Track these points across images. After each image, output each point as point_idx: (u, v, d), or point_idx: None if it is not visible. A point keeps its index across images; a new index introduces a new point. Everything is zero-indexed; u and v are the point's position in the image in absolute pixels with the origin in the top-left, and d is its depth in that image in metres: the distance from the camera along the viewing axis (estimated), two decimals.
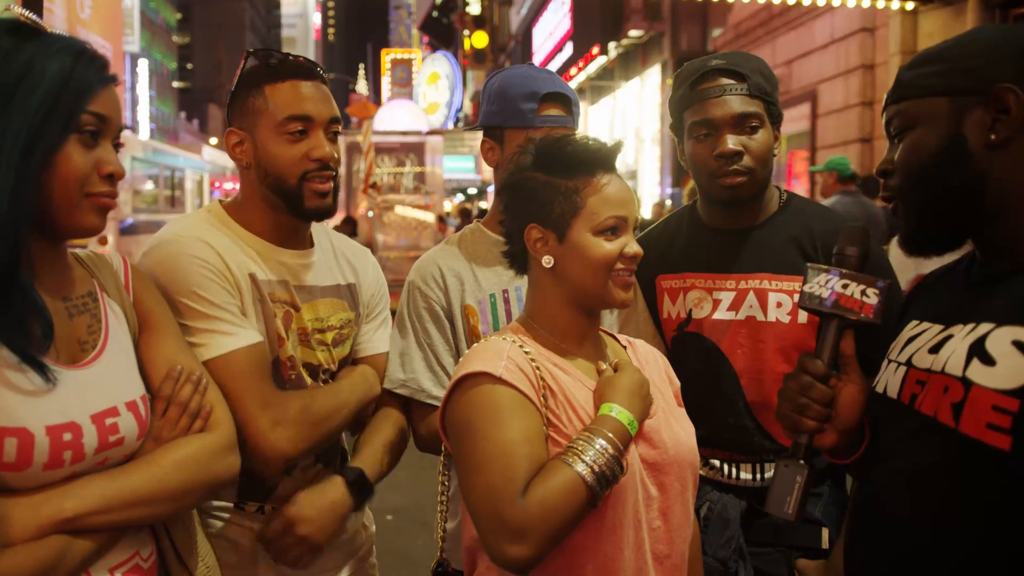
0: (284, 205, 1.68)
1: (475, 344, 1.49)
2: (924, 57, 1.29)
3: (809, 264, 1.36)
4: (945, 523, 1.13)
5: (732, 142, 1.83)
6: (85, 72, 1.22)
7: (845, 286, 1.30)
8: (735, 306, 1.90)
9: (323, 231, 1.87)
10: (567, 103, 1.93)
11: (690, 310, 1.95)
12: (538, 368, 1.40)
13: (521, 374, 1.37)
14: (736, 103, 1.84)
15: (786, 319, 1.86)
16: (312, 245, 1.80)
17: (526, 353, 1.41)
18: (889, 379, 1.31)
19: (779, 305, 1.87)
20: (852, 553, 1.33)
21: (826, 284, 1.31)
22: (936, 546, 1.14)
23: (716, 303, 1.92)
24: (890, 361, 1.34)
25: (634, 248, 1.45)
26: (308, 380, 1.72)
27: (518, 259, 1.54)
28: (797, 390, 1.32)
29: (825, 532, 1.89)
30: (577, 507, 1.28)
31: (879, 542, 1.25)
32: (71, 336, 1.25)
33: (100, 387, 1.24)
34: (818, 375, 1.32)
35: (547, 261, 1.46)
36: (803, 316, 1.85)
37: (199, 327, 1.54)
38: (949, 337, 1.20)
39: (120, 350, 1.32)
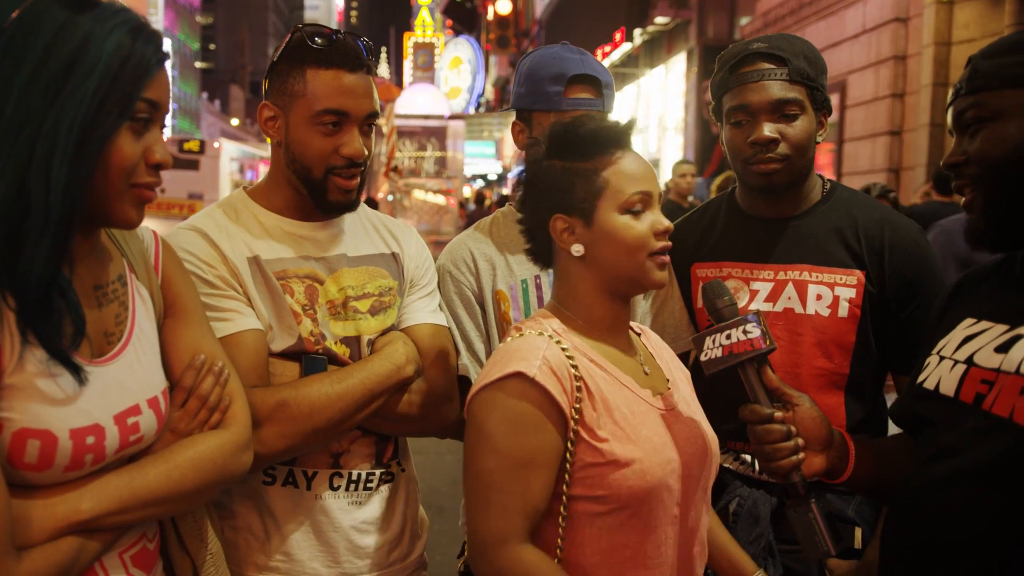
0: (307, 192, 1.64)
1: (511, 340, 1.44)
2: (1005, 46, 1.25)
3: (692, 339, 1.46)
4: (1013, 521, 1.11)
5: (768, 129, 1.77)
6: (143, 53, 1.13)
7: (728, 336, 1.38)
8: (772, 297, 1.85)
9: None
10: (597, 84, 1.86)
11: None
12: (575, 368, 1.36)
13: (554, 377, 1.34)
14: (775, 88, 1.78)
15: (826, 312, 1.80)
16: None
17: (564, 350, 1.37)
18: (943, 376, 1.28)
19: (819, 298, 1.81)
20: (895, 548, 1.30)
21: (715, 345, 1.39)
22: (996, 543, 1.13)
23: (753, 294, 1.87)
24: (942, 358, 1.30)
25: (664, 222, 1.41)
26: (342, 352, 1.64)
27: (542, 254, 1.50)
28: (755, 442, 1.38)
29: (858, 531, 1.84)
30: None
31: (931, 539, 1.22)
32: (99, 327, 1.21)
33: (123, 385, 1.20)
34: (763, 418, 1.37)
35: (577, 250, 1.41)
36: (843, 310, 1.80)
37: None
38: (1019, 337, 1.17)
39: (144, 339, 1.27)
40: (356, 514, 1.65)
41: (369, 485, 1.67)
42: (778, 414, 1.37)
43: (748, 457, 1.91)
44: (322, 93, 1.57)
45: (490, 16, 28.79)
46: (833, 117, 10.38)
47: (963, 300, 1.38)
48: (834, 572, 1.81)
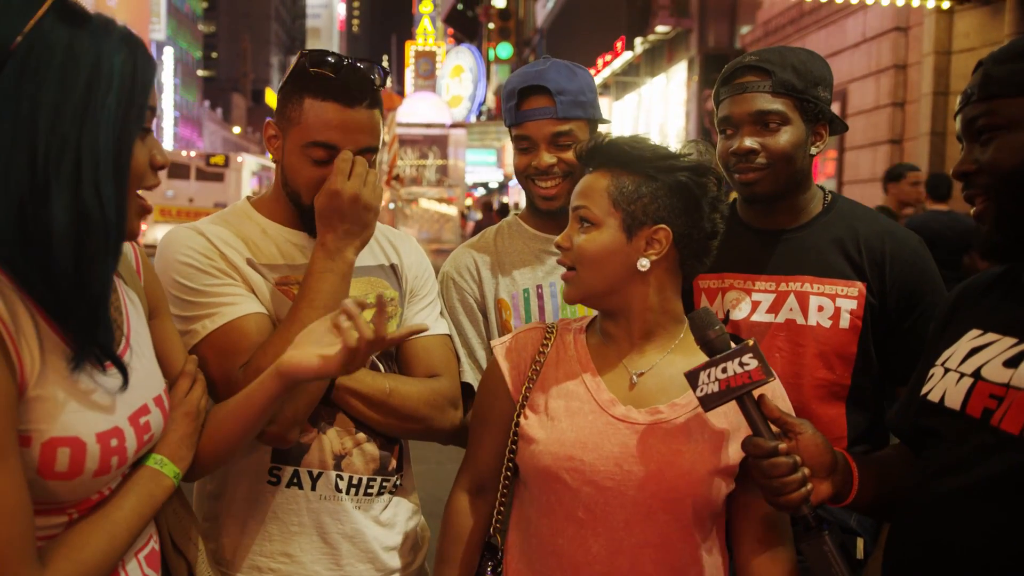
0: (298, 213, 1.65)
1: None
2: (1018, 50, 1.22)
3: (684, 374, 1.38)
4: (1019, 538, 1.10)
5: (747, 140, 1.80)
6: (144, 64, 1.15)
7: (724, 370, 1.33)
8: (774, 308, 1.85)
9: None
10: (546, 92, 1.85)
11: (728, 311, 1.90)
12: (543, 352, 1.53)
13: (515, 355, 1.56)
14: (755, 101, 1.80)
15: (827, 323, 1.80)
16: None
17: (548, 333, 1.56)
18: (948, 389, 1.25)
19: (820, 309, 1.81)
20: (901, 565, 1.29)
21: (711, 380, 1.34)
22: (1002, 560, 1.11)
23: (755, 305, 1.87)
24: (947, 370, 1.28)
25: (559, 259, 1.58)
26: None
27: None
28: (761, 477, 1.32)
29: (860, 542, 1.84)
30: None
31: (938, 556, 1.20)
32: None
33: (131, 386, 1.20)
34: (768, 451, 1.32)
35: (643, 265, 1.46)
36: (845, 321, 1.80)
37: (178, 314, 1.53)
38: None
39: (141, 341, 1.29)
40: (359, 518, 1.65)
41: (370, 491, 1.67)
42: (782, 446, 1.32)
43: None
44: (314, 125, 1.55)
45: (489, 16, 28.88)
46: None
47: (967, 310, 1.35)
48: None
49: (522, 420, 1.49)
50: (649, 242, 1.46)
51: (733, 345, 1.36)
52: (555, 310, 1.90)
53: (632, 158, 1.47)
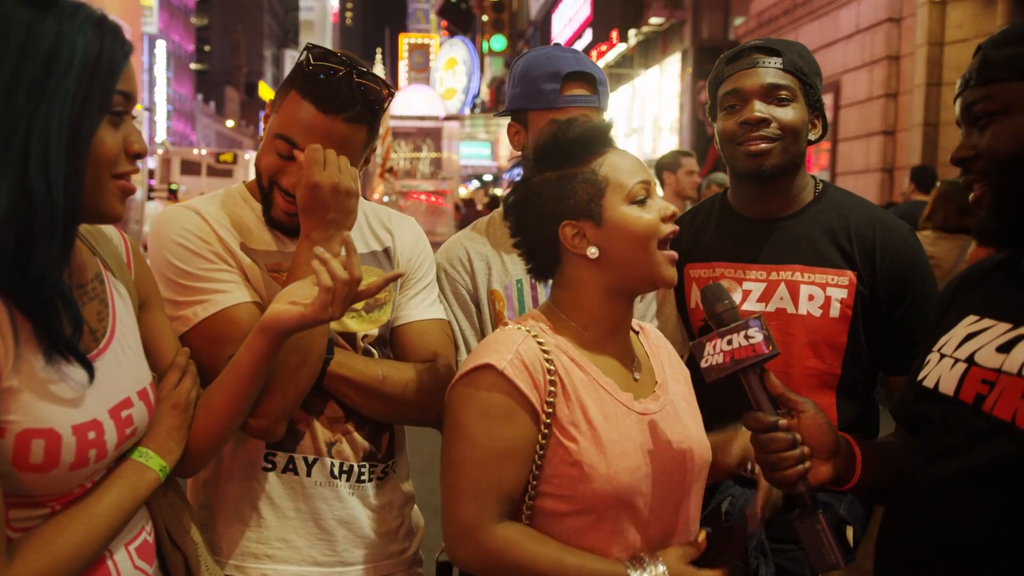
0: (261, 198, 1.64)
1: (491, 333, 1.47)
2: (1016, 34, 1.20)
3: (690, 345, 1.37)
4: (1013, 524, 1.09)
5: (759, 108, 1.80)
6: (112, 47, 1.13)
7: (730, 342, 1.33)
8: (765, 297, 1.85)
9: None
10: (591, 81, 1.87)
11: None
12: (551, 363, 1.37)
13: (525, 371, 1.34)
14: (768, 74, 1.82)
15: (817, 312, 1.81)
16: None
17: (540, 345, 1.38)
18: (943, 375, 1.25)
19: (811, 298, 1.82)
20: (893, 550, 1.29)
21: (716, 351, 1.34)
22: (994, 547, 1.11)
23: (745, 294, 1.87)
24: (943, 356, 1.27)
25: (669, 206, 1.42)
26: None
27: (545, 269, 1.49)
28: (760, 451, 1.33)
29: (850, 530, 1.85)
30: None
31: (930, 541, 1.20)
32: (84, 326, 1.20)
33: (113, 379, 1.20)
34: (768, 426, 1.32)
35: (592, 252, 1.40)
36: (835, 310, 1.80)
37: (170, 298, 1.53)
38: (1021, 338, 1.14)
39: (128, 334, 1.28)
40: (354, 504, 1.65)
41: (361, 477, 1.67)
42: (783, 421, 1.32)
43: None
44: (287, 118, 1.54)
45: (483, 8, 28.79)
46: (827, 117, 10.43)
47: (966, 296, 1.34)
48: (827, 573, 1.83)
49: (570, 444, 1.35)
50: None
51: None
52: None
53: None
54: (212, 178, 20.91)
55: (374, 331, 1.68)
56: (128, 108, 1.18)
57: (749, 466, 1.91)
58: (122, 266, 1.35)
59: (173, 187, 18.73)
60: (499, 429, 1.34)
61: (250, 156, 21.41)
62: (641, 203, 1.41)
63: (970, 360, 1.21)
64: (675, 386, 1.53)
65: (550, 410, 1.35)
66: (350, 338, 1.65)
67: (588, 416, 1.36)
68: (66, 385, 1.12)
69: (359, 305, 1.67)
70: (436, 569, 1.80)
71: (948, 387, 1.23)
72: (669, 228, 1.41)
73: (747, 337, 1.32)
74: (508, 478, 1.34)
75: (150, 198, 17.41)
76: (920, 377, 1.31)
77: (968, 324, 1.26)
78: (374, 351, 1.68)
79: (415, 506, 1.83)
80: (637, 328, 1.58)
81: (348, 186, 1.52)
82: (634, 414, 1.41)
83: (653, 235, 1.40)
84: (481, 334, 1.87)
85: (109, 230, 1.38)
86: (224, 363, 1.47)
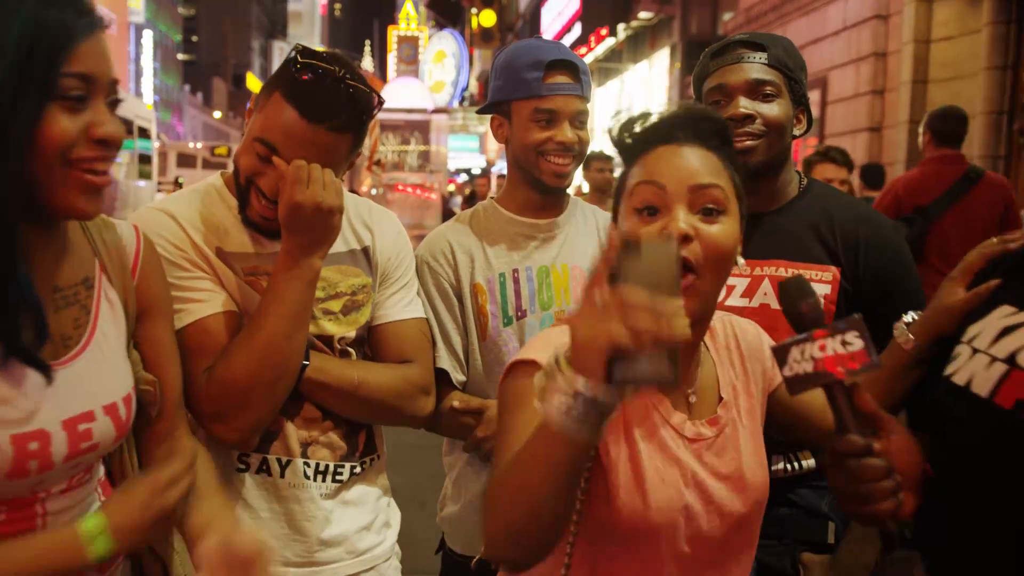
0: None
1: (546, 329, 1.35)
2: None
3: (771, 347, 1.18)
4: None
5: (744, 105, 1.80)
6: (60, 23, 1.01)
7: (823, 347, 1.12)
8: (749, 293, 1.86)
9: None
10: (574, 70, 1.87)
11: None
12: None
13: None
14: (753, 70, 1.82)
15: None
16: None
17: None
18: (976, 373, 1.15)
19: None
20: (941, 564, 1.17)
21: (804, 358, 1.13)
22: None
23: (730, 289, 1.87)
24: (976, 351, 1.18)
25: (675, 224, 1.17)
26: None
27: None
28: (849, 480, 1.11)
29: (831, 526, 1.86)
30: None
31: (976, 556, 1.13)
32: (54, 331, 1.13)
33: (76, 390, 1.13)
34: (862, 450, 1.10)
35: None
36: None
37: None
38: None
39: (107, 344, 1.21)
40: (327, 504, 1.65)
41: (339, 477, 1.66)
42: (877, 445, 1.11)
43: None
44: (269, 122, 1.49)
45: (474, 26, 28.70)
46: (815, 113, 10.42)
47: (1000, 283, 1.25)
48: (808, 567, 1.83)
49: (607, 464, 1.22)
50: (739, 238, 1.26)
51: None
52: (531, 294, 1.89)
53: (725, 138, 1.27)
54: (208, 170, 21.63)
55: (351, 333, 1.67)
56: (94, 91, 1.06)
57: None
58: (125, 270, 1.28)
59: (181, 180, 19.08)
60: (527, 413, 1.16)
61: None
62: (644, 213, 1.21)
63: (1011, 361, 1.11)
64: (745, 400, 1.34)
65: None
66: (327, 340, 1.64)
67: (632, 437, 1.22)
68: (16, 391, 1.06)
69: (336, 307, 1.66)
70: (475, 568, 1.79)
71: (982, 387, 1.13)
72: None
73: (844, 343, 1.10)
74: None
75: (158, 190, 17.90)
76: (949, 372, 1.21)
77: (1003, 316, 1.17)
78: (352, 352, 1.67)
79: (391, 499, 1.83)
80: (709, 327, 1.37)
81: (331, 204, 1.47)
82: (682, 439, 1.26)
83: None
84: (464, 328, 1.86)
85: (125, 228, 1.30)
86: (199, 377, 1.45)
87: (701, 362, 1.33)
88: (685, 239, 1.16)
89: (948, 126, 4.80)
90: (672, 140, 1.23)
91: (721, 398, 1.32)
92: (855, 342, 1.10)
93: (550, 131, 1.85)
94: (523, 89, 1.86)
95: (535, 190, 1.91)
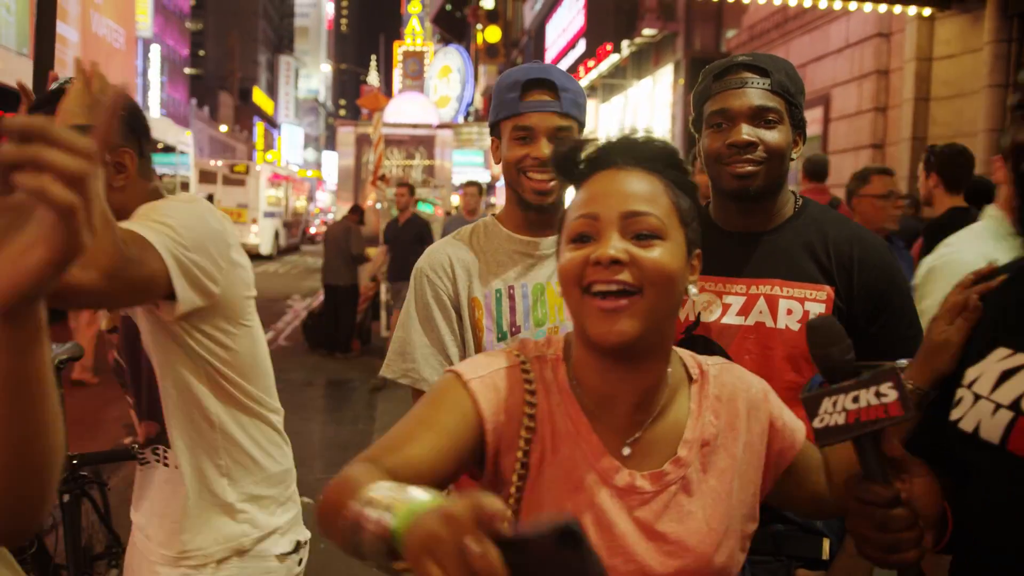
0: None
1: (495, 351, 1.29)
2: None
3: (802, 397, 1.14)
4: None
5: (746, 132, 1.81)
6: None
7: (856, 399, 1.09)
8: (745, 311, 1.88)
9: None
10: (552, 87, 1.89)
11: (699, 313, 1.93)
12: (532, 405, 1.15)
13: (493, 394, 1.14)
14: (755, 96, 1.83)
15: (796, 327, 1.83)
16: None
17: (528, 383, 1.16)
18: (983, 419, 1.14)
19: (789, 312, 1.84)
20: None
21: (836, 410, 1.10)
22: None
23: (726, 307, 1.89)
24: (977, 396, 1.16)
25: (602, 251, 1.10)
26: None
27: None
28: (874, 528, 1.09)
29: (826, 543, 1.86)
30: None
31: None
32: None
33: None
34: (889, 501, 1.08)
35: None
36: None
37: None
38: None
39: None
40: (147, 490, 1.90)
41: (155, 457, 1.87)
42: (904, 494, 1.09)
43: None
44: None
45: (479, 41, 28.86)
46: (817, 129, 10.44)
47: (990, 320, 1.23)
48: None
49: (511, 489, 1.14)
50: (693, 266, 1.21)
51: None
52: (526, 311, 1.92)
53: (671, 162, 1.22)
54: (227, 187, 24.07)
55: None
56: None
57: None
58: None
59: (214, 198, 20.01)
60: (435, 410, 1.13)
61: (260, 168, 24.87)
62: (579, 242, 1.14)
63: (1016, 407, 1.10)
64: (724, 459, 1.19)
65: (526, 448, 1.13)
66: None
67: (546, 457, 1.13)
68: None
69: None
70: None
71: (991, 435, 1.12)
72: (594, 277, 1.11)
73: (878, 395, 1.07)
74: (416, 442, 1.08)
75: None
76: (954, 418, 1.19)
77: (1001, 358, 1.16)
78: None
79: (192, 500, 1.82)
80: (697, 374, 1.26)
81: None
82: (608, 489, 1.14)
83: (569, 280, 1.14)
84: (462, 341, 1.89)
85: None
86: None
87: (667, 407, 1.20)
88: (615, 263, 1.10)
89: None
90: (610, 165, 1.19)
91: (676, 455, 1.18)
92: (889, 393, 1.07)
93: (527, 148, 1.88)
94: (505, 109, 1.91)
95: (521, 207, 1.95)
